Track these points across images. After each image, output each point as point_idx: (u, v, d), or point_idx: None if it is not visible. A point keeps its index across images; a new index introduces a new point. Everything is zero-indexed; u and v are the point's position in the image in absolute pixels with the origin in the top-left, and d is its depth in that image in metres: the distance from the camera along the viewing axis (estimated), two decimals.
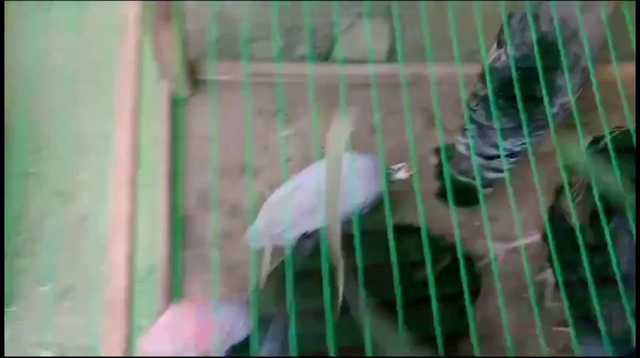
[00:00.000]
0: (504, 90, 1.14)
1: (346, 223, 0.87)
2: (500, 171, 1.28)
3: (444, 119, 1.51)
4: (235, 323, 0.83)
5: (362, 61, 1.55)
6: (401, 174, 1.33)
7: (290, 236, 1.26)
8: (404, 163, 1.34)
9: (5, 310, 1.40)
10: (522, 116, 0.90)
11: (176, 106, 1.51)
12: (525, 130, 1.08)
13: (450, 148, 1.35)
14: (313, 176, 1.30)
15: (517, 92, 0.88)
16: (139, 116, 0.99)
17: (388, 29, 1.63)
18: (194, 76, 1.47)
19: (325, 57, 1.62)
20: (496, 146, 1.22)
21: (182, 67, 1.37)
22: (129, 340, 0.84)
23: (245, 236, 1.35)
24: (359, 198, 1.28)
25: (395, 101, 1.49)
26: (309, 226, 1.23)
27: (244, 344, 0.82)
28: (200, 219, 1.46)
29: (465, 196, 1.25)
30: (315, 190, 1.24)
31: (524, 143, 1.21)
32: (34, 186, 1.52)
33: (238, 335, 0.83)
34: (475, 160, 1.26)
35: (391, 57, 1.61)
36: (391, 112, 1.47)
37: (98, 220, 1.48)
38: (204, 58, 1.49)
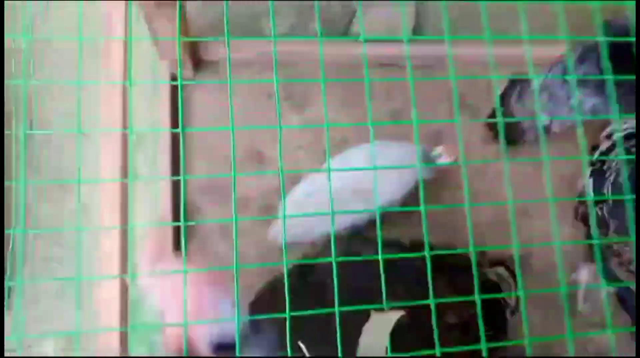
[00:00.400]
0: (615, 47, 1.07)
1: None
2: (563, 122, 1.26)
3: (474, 104, 1.39)
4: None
5: (383, 39, 1.41)
6: (444, 160, 1.22)
7: (318, 233, 1.19)
8: (443, 147, 1.22)
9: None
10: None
11: (178, 88, 1.39)
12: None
13: (524, 81, 1.31)
14: (335, 174, 1.19)
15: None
16: (129, 100, 0.88)
17: (413, 5, 1.49)
18: (196, 56, 1.35)
19: (343, 33, 1.48)
20: (571, 96, 1.22)
21: (183, 48, 1.25)
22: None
23: (271, 232, 1.26)
24: (397, 190, 1.18)
25: (420, 84, 1.37)
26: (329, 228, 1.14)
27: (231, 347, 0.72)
28: (206, 212, 1.36)
29: (511, 133, 1.31)
30: (337, 188, 1.13)
31: (594, 104, 1.19)
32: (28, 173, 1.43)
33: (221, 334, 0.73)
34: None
35: (416, 34, 1.47)
36: (415, 96, 1.34)
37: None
38: (208, 36, 1.37)
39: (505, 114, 1.32)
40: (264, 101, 1.38)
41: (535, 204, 1.36)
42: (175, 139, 1.36)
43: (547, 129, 1.27)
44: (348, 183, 1.15)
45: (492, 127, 1.39)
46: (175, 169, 1.34)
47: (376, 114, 1.38)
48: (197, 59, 1.36)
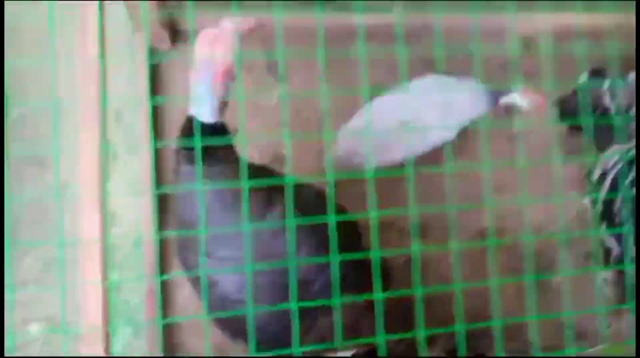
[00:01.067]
0: None
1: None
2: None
3: (452, 75, 1.39)
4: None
5: (367, 8, 1.40)
6: (518, 100, 1.24)
7: (371, 166, 1.24)
8: (519, 86, 1.24)
9: None
10: None
11: (155, 61, 1.38)
12: None
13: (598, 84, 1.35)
14: (385, 111, 1.26)
15: None
16: (105, 74, 0.88)
17: None
18: (173, 27, 1.33)
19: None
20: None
21: (158, 18, 1.23)
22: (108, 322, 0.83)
23: (336, 153, 1.31)
24: (465, 114, 1.24)
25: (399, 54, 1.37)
26: (385, 159, 1.23)
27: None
28: None
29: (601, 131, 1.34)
30: (388, 124, 1.22)
31: None
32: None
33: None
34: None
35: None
36: (394, 66, 1.33)
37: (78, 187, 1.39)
38: (185, 6, 1.34)
39: (594, 107, 1.35)
40: (244, 73, 1.37)
41: (509, 180, 1.39)
42: (154, 115, 1.35)
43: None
44: (404, 117, 1.20)
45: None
46: (155, 145, 1.34)
47: (359, 85, 1.38)
48: (174, 29, 1.34)
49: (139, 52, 1.33)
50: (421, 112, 1.22)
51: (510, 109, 1.28)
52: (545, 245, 1.40)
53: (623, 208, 1.19)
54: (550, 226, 1.42)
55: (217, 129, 0.82)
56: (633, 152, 1.23)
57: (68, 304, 1.32)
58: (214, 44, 0.80)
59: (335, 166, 1.31)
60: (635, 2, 1.14)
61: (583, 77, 1.39)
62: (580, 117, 1.36)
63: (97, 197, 0.88)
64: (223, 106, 0.83)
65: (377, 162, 1.24)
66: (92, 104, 0.90)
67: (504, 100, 1.24)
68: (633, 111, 1.32)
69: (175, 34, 1.36)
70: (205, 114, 0.81)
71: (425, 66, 1.36)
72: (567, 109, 1.40)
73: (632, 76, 1.33)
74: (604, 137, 1.32)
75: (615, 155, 1.27)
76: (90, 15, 0.90)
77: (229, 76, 0.81)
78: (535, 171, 1.37)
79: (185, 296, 1.32)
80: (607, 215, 1.24)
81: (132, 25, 1.28)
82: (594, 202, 1.30)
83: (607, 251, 1.27)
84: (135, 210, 1.35)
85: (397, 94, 1.27)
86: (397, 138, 1.22)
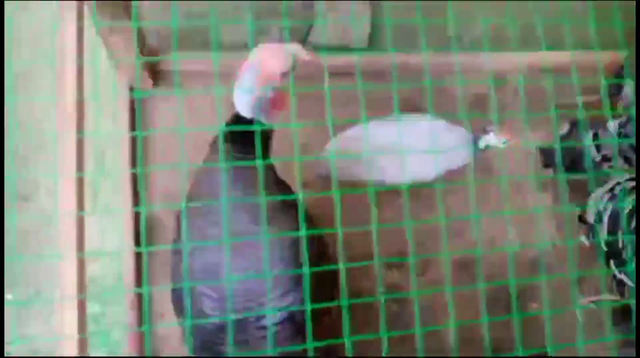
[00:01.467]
0: None
1: None
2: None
3: (428, 110, 1.45)
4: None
5: (341, 47, 1.47)
6: (494, 141, 1.27)
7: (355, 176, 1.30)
8: (493, 127, 1.27)
9: None
10: None
11: (137, 100, 1.42)
12: None
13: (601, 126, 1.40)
14: (372, 134, 1.31)
15: None
16: (84, 110, 0.91)
17: (369, 12, 1.54)
18: (154, 68, 1.38)
19: (303, 41, 1.53)
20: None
21: (140, 59, 1.28)
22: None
23: (320, 168, 1.35)
24: (429, 170, 1.29)
25: (376, 91, 1.42)
26: (368, 174, 1.28)
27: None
28: (167, 223, 1.37)
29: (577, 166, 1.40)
30: (374, 145, 1.28)
31: None
32: None
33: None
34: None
35: (372, 42, 1.52)
36: (372, 103, 1.38)
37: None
38: (166, 48, 1.40)
39: (578, 153, 1.41)
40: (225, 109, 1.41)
41: (482, 210, 1.43)
42: (134, 155, 1.38)
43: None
44: (392, 145, 1.24)
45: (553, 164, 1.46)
46: (134, 183, 1.37)
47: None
48: (154, 70, 1.39)
49: (120, 93, 1.38)
50: (412, 146, 1.26)
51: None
52: (523, 272, 1.44)
53: (627, 242, 1.23)
54: (528, 254, 1.46)
55: (258, 129, 0.89)
56: (622, 185, 1.29)
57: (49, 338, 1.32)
58: (269, 54, 0.89)
59: (322, 175, 1.35)
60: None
61: (564, 129, 1.45)
62: (564, 167, 1.41)
63: (76, 233, 0.91)
64: (259, 106, 0.91)
65: (354, 175, 1.30)
66: (72, 142, 0.93)
67: (482, 143, 1.29)
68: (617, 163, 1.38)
69: (156, 73, 1.41)
70: (244, 107, 0.90)
71: (402, 103, 1.42)
72: (550, 159, 1.45)
73: (612, 125, 1.38)
74: (586, 185, 1.36)
75: (602, 196, 1.32)
76: (69, 56, 0.93)
77: (270, 82, 0.90)
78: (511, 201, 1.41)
79: (166, 327, 1.33)
80: (614, 253, 1.29)
81: (113, 66, 1.32)
82: (594, 241, 1.35)
83: (620, 283, 1.31)
84: (116, 245, 1.37)
85: (394, 122, 1.31)
86: (379, 161, 1.28)
